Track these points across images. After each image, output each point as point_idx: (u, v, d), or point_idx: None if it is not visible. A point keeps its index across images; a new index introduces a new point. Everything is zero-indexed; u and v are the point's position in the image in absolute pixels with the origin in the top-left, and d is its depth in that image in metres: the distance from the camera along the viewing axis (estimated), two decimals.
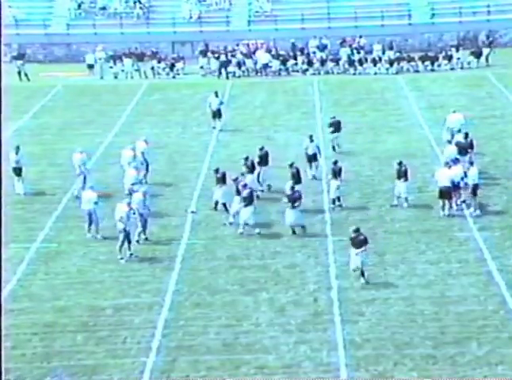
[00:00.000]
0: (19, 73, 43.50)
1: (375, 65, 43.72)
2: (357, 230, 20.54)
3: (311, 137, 27.77)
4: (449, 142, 27.44)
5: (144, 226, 22.68)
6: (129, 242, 21.80)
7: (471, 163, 24.82)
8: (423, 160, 29.03)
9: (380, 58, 44.05)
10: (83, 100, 39.46)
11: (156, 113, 36.85)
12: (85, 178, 26.48)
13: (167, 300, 19.78)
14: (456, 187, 24.15)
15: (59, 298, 20.02)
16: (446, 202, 24.12)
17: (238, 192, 23.63)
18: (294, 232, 23.19)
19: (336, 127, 30.40)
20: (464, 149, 26.81)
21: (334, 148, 30.40)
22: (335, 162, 25.50)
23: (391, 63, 43.61)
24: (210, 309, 19.30)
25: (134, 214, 22.18)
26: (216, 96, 33.72)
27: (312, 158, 27.47)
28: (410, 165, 25.74)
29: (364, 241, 20.36)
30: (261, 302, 19.25)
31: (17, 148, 26.80)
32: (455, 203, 24.33)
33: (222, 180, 24.84)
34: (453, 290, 19.99)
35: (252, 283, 20.54)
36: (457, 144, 27.03)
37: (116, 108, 37.45)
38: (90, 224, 23.08)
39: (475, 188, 24.20)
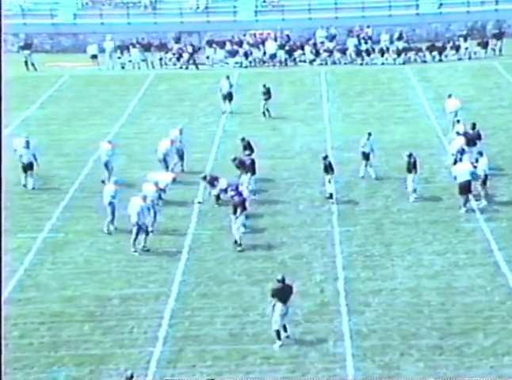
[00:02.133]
0: (26, 63, 43.51)
1: (382, 55, 43.60)
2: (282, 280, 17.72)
3: (369, 134, 26.66)
4: (458, 133, 27.36)
5: (155, 218, 22.60)
6: (147, 234, 21.71)
7: (481, 153, 24.67)
8: (430, 150, 28.98)
9: (388, 49, 43.93)
10: (90, 91, 39.47)
11: (163, 104, 36.85)
12: (108, 167, 26.34)
13: (174, 290, 19.83)
14: (474, 179, 23.76)
15: (66, 287, 20.09)
16: (465, 197, 23.50)
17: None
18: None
19: (267, 94, 33.49)
20: (472, 140, 26.75)
21: (264, 114, 33.37)
22: (325, 157, 25.03)
23: (398, 54, 43.48)
24: (216, 300, 19.35)
25: (149, 209, 22.07)
26: (228, 79, 34.49)
27: (368, 156, 26.52)
28: (417, 156, 25.68)
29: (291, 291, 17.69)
30: (268, 293, 19.27)
31: (27, 142, 26.60)
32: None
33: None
34: (460, 280, 19.99)
35: (259, 274, 20.58)
36: (465, 135, 26.97)
37: (123, 99, 37.46)
38: (112, 218, 22.87)
39: (486, 178, 24.12)
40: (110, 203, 22.78)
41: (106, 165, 26.47)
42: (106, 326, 18.28)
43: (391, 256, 21.39)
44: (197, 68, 42.91)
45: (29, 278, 20.56)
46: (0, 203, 17.52)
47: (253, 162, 25.61)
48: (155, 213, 22.63)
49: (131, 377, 14.89)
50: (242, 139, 27.07)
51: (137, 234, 21.60)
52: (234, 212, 21.98)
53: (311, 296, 19.39)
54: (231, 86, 34.36)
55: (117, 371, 15.49)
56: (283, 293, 17.33)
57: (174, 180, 24.74)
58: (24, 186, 26.35)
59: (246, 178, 25.13)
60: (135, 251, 21.60)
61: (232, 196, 23.19)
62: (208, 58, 44.38)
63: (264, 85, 33.80)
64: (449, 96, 31.48)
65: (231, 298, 19.41)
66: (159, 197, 23.83)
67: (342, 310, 18.71)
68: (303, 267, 20.90)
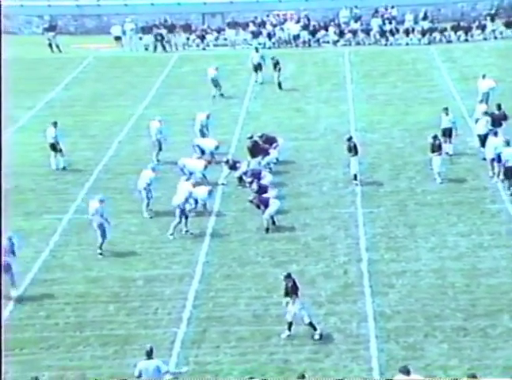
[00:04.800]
0: (50, 45, 43.61)
1: (407, 35, 43.21)
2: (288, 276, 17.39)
3: (446, 110, 26.40)
4: (486, 113, 27.03)
5: (196, 204, 22.42)
6: (186, 218, 21.61)
7: (508, 143, 24.27)
8: (455, 131, 28.70)
9: (413, 29, 43.52)
10: (114, 72, 39.51)
11: (186, 85, 36.81)
12: (160, 146, 26.47)
13: (198, 271, 19.89)
14: None
15: (91, 268, 20.22)
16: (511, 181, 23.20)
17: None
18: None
19: (277, 65, 34.88)
20: (498, 120, 26.48)
21: (280, 85, 34.68)
22: (349, 138, 24.87)
23: (423, 34, 43.08)
24: (240, 281, 19.38)
25: (197, 202, 21.99)
26: (257, 51, 36.53)
27: (448, 133, 26.18)
28: (441, 138, 25.48)
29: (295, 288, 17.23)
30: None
31: (55, 123, 26.72)
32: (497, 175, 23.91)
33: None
34: (485, 262, 19.87)
35: (282, 255, 20.58)
36: (491, 115, 26.70)
37: (147, 80, 37.47)
38: (148, 205, 22.85)
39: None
40: (145, 189, 22.77)
41: (159, 142, 26.52)
42: (131, 307, 18.38)
43: (415, 237, 21.30)
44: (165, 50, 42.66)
45: (55, 259, 20.71)
46: (0, 203, 17.70)
47: (265, 150, 25.47)
48: (196, 200, 22.46)
49: (151, 351, 15.00)
50: (261, 136, 26.58)
51: (180, 218, 21.45)
52: (258, 207, 21.98)
53: (335, 277, 19.36)
54: (261, 57, 36.14)
55: (141, 351, 15.56)
56: (294, 287, 17.09)
57: (206, 167, 24.55)
58: (57, 168, 26.42)
59: (254, 162, 24.91)
60: (172, 234, 21.55)
61: (250, 183, 23.19)
62: (226, 39, 44.20)
63: (273, 58, 35.43)
64: (483, 76, 31.09)
65: (255, 279, 19.44)
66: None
67: (366, 292, 18.68)
68: (327, 248, 20.87)
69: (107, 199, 21.32)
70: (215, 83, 34.42)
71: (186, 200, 21.53)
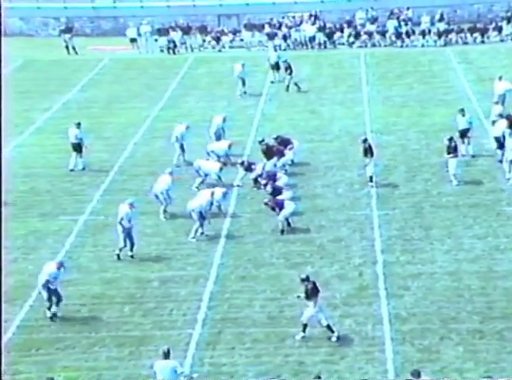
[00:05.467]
0: (67, 47, 43.83)
1: (423, 37, 43.09)
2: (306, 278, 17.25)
3: (462, 111, 26.43)
4: (501, 115, 26.95)
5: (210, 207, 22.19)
6: (204, 219, 21.40)
7: None
8: (471, 133, 28.59)
9: (429, 30, 43.39)
10: (130, 74, 39.64)
11: (202, 87, 36.88)
12: (182, 149, 26.44)
13: (212, 273, 19.91)
14: None
15: (106, 270, 20.28)
16: None
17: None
18: None
19: (289, 68, 35.00)
20: None
21: (288, 88, 34.74)
22: (364, 140, 24.72)
23: (439, 35, 42.95)
24: (255, 283, 19.39)
25: (212, 204, 21.87)
26: (275, 50, 38.05)
27: (465, 133, 26.11)
28: (458, 139, 25.40)
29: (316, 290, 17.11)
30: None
31: (79, 124, 26.83)
32: None
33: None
34: (501, 264, 19.78)
35: (297, 257, 20.57)
36: (507, 118, 26.57)
37: (162, 82, 37.56)
38: (165, 208, 22.72)
39: None
40: (162, 193, 22.74)
41: (181, 146, 26.52)
42: (146, 308, 18.43)
43: (431, 239, 21.23)
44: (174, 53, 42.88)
45: (70, 260, 20.78)
46: (0, 203, 17.76)
47: (280, 151, 25.44)
48: (211, 202, 22.08)
49: (168, 352, 15.04)
50: (276, 138, 26.55)
51: (200, 220, 21.29)
52: (273, 210, 21.96)
53: (350, 279, 19.34)
54: (278, 57, 36.75)
55: (157, 352, 15.61)
56: (315, 290, 17.02)
57: (221, 169, 24.51)
58: (72, 170, 26.46)
59: (270, 164, 24.93)
60: (193, 237, 21.54)
61: (265, 185, 23.19)
62: (242, 40, 44.26)
63: (285, 61, 35.62)
64: (500, 78, 31.01)
65: (270, 281, 19.44)
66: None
67: (381, 294, 18.64)
68: (342, 250, 20.84)
69: (121, 201, 21.26)
70: (242, 80, 34.69)
71: (203, 206, 21.39)
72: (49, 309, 17.98)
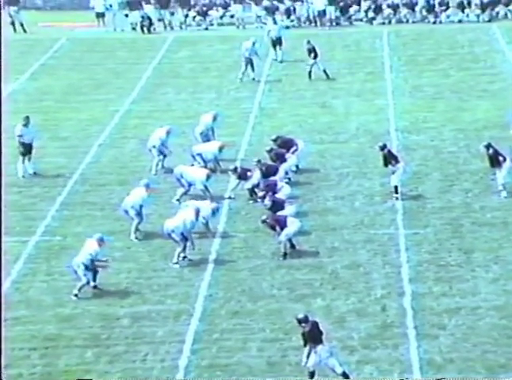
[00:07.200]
0: (13, 23, 43.97)
1: (462, 10, 43.35)
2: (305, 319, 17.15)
3: None
4: None
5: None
6: (186, 241, 21.67)
7: None
8: None
9: (469, 2, 43.66)
10: (93, 58, 39.83)
11: (184, 74, 37.05)
12: (164, 157, 26.64)
13: (198, 307, 19.99)
14: None
15: (63, 304, 20.33)
16: None
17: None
18: None
19: (313, 52, 35.05)
20: None
21: (310, 75, 34.88)
22: (383, 147, 24.86)
23: (482, 8, 43.20)
24: (251, 320, 19.46)
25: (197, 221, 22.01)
26: (275, 23, 37.83)
27: None
28: (505, 140, 25.52)
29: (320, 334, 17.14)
30: (316, 311, 19.34)
31: (27, 119, 26.97)
32: None
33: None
34: None
35: (303, 287, 20.66)
36: None
37: (135, 68, 37.76)
38: (137, 226, 22.99)
39: None
40: (133, 207, 22.85)
41: (160, 152, 26.63)
42: (114, 352, 18.47)
43: (473, 265, 21.34)
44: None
45: (18, 292, 20.82)
46: (0, 203, 17.91)
47: (281, 155, 25.64)
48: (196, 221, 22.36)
49: None
50: (276, 139, 26.68)
51: (183, 242, 21.57)
52: (273, 229, 22.04)
53: (371, 316, 19.42)
54: (279, 30, 37.23)
55: None
56: (315, 333, 17.06)
57: (209, 178, 24.58)
58: (23, 176, 26.65)
59: (281, 170, 25.13)
60: (177, 263, 21.67)
61: (263, 197, 23.28)
62: (232, 17, 44.47)
63: (308, 42, 35.51)
64: None
65: (270, 317, 19.52)
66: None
67: (410, 334, 18.72)
68: (360, 279, 20.94)
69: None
70: (249, 62, 34.77)
71: (186, 226, 21.51)
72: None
